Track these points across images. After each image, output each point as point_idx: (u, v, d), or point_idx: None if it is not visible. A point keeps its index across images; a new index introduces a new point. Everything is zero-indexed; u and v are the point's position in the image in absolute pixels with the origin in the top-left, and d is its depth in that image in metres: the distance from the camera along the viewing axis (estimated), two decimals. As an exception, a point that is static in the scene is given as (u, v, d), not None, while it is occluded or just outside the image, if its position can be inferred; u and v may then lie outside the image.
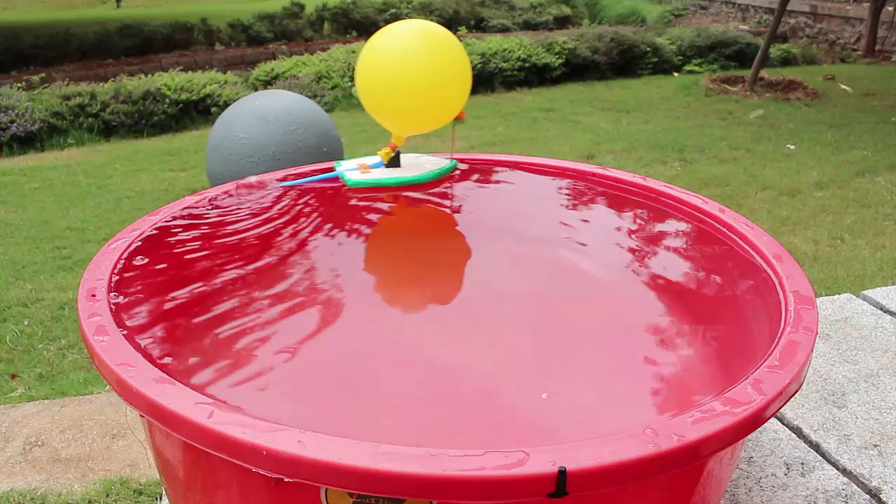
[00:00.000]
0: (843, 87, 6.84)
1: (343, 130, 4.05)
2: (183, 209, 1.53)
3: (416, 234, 1.64)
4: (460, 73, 1.58)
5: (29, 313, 2.81)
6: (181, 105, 5.85)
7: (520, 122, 5.81)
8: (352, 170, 1.72)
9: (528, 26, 10.35)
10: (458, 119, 1.65)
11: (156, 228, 1.44)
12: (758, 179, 4.36)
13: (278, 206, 1.67)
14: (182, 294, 1.36)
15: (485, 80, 6.89)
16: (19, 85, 6.09)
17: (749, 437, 1.06)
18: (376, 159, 1.70)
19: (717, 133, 5.32)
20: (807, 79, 6.91)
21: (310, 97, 5.83)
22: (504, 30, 9.94)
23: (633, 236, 1.56)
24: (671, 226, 1.55)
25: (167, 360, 1.13)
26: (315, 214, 1.66)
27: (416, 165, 1.73)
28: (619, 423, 1.07)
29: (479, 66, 6.85)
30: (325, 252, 1.54)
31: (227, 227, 1.55)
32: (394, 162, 1.71)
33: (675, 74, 7.58)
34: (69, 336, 2.64)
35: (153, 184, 4.43)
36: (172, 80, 5.99)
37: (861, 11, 8.81)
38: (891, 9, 8.57)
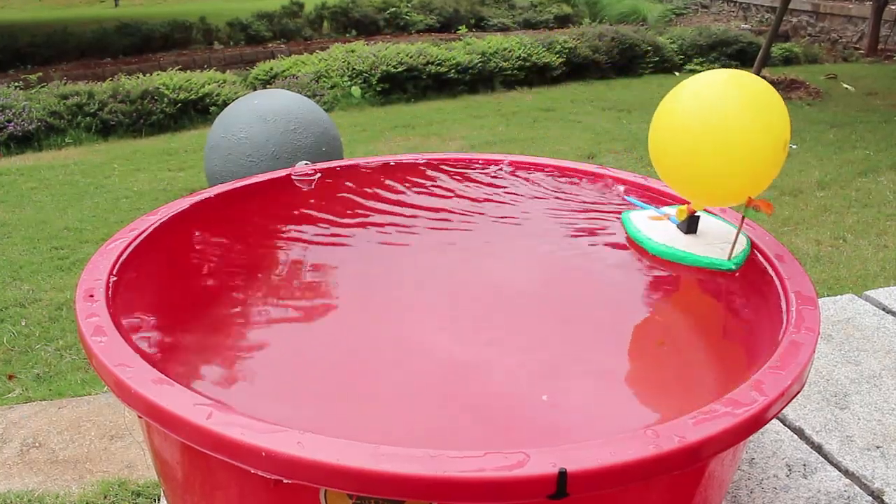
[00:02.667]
0: (845, 86, 6.83)
1: (342, 130, 4.04)
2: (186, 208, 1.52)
3: (417, 232, 1.63)
4: (779, 140, 1.28)
5: (26, 314, 2.80)
6: (179, 104, 5.83)
7: (520, 121, 5.80)
8: (651, 211, 1.54)
9: (529, 25, 10.34)
10: (756, 208, 1.32)
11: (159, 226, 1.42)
12: (758, 179, 4.34)
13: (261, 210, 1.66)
14: (180, 294, 1.35)
15: (485, 79, 6.88)
16: (16, 84, 6.08)
17: (751, 438, 1.05)
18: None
19: (717, 132, 5.30)
20: (809, 78, 6.90)
21: (309, 96, 5.82)
22: (504, 29, 9.92)
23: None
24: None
25: (165, 360, 1.12)
26: (317, 217, 1.65)
27: (708, 237, 1.43)
28: (621, 424, 1.07)
29: (479, 65, 6.84)
30: (321, 254, 1.54)
31: (228, 228, 1.54)
32: (689, 226, 1.45)
33: (677, 74, 7.57)
34: (67, 337, 2.63)
35: (151, 183, 4.42)
36: (171, 80, 5.97)
37: (863, 10, 8.80)
38: (893, 7, 8.56)
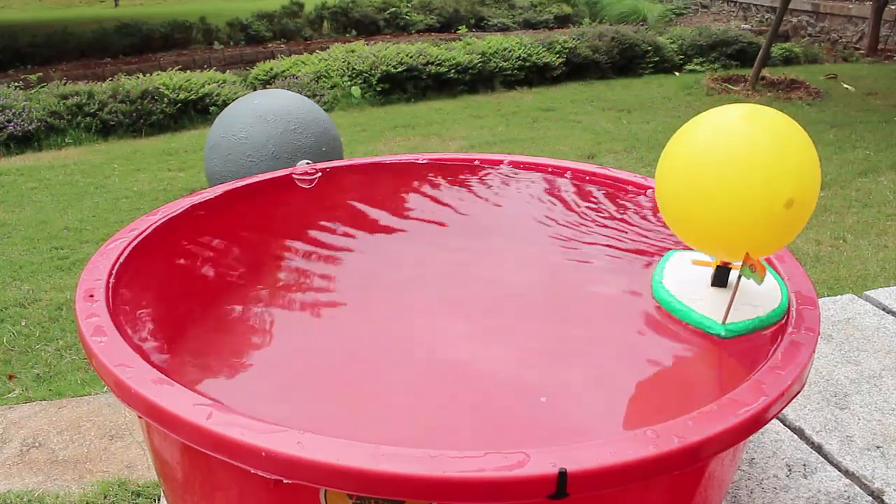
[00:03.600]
0: (845, 86, 6.83)
1: (342, 130, 4.04)
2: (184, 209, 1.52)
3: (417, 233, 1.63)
4: (775, 194, 1.10)
5: (26, 314, 2.80)
6: (179, 104, 5.83)
7: (520, 121, 5.80)
8: (698, 254, 1.32)
9: (529, 25, 10.34)
10: (752, 267, 1.13)
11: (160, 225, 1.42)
12: (758, 179, 4.33)
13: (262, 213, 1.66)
14: (181, 295, 1.35)
15: (485, 79, 6.89)
16: (16, 84, 6.08)
17: (751, 438, 1.05)
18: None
19: (717, 132, 5.29)
20: (809, 78, 6.90)
21: (309, 96, 5.82)
22: (504, 29, 9.92)
23: (633, 236, 1.55)
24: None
25: (165, 360, 1.12)
26: (316, 219, 1.65)
27: (738, 294, 1.21)
28: (621, 424, 1.07)
29: (479, 65, 6.84)
30: (321, 254, 1.54)
31: (228, 228, 1.54)
32: (715, 278, 1.27)
33: (677, 74, 7.56)
34: (67, 337, 2.63)
35: (151, 184, 4.42)
36: (171, 80, 5.97)
37: (863, 10, 8.80)
38: (893, 7, 8.56)
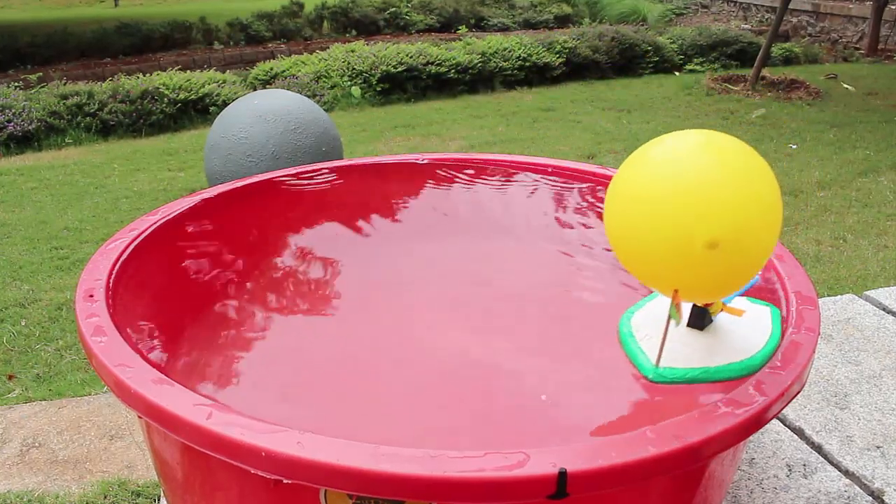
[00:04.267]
0: (845, 86, 6.83)
1: (342, 130, 4.04)
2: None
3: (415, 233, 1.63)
4: (683, 231, 1.00)
5: (26, 314, 2.80)
6: (179, 104, 5.83)
7: (520, 121, 5.79)
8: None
9: (529, 25, 10.34)
10: (677, 305, 1.08)
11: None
12: (758, 179, 4.33)
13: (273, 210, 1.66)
14: (180, 295, 1.35)
15: (485, 79, 6.89)
16: (16, 84, 6.07)
17: (751, 438, 1.05)
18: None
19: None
20: (809, 78, 6.90)
21: (309, 96, 5.82)
22: (504, 29, 9.92)
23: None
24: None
25: (165, 360, 1.12)
26: (315, 217, 1.65)
27: (710, 338, 1.16)
28: (621, 424, 1.07)
29: (479, 65, 6.84)
30: (320, 254, 1.54)
31: (228, 228, 1.54)
32: (690, 319, 1.18)
33: (677, 74, 7.56)
34: (67, 337, 2.63)
35: (151, 184, 4.42)
36: (171, 80, 5.97)
37: (864, 10, 8.80)
38: (894, 7, 8.56)
